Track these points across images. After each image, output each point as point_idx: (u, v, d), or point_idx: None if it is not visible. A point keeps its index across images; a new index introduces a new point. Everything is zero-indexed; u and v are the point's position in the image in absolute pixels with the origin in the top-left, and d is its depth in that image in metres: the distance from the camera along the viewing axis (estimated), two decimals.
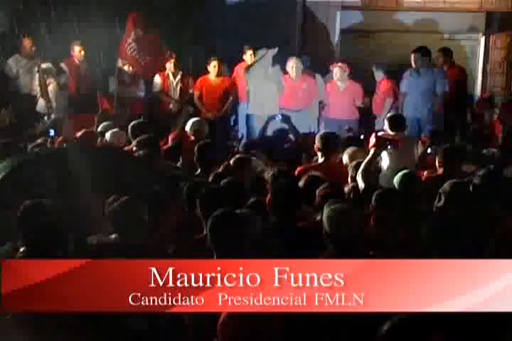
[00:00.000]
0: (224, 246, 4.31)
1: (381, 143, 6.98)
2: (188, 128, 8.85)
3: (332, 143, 7.65)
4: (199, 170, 7.25)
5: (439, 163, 7.15)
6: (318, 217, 5.66)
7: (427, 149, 8.16)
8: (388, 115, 8.03)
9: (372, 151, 6.88)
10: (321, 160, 7.61)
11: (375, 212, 5.54)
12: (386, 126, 7.83)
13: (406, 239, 5.27)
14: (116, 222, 5.06)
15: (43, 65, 11.66)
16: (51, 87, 11.71)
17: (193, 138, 8.71)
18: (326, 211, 4.71)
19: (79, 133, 9.31)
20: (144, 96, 12.05)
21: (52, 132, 9.23)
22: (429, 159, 7.83)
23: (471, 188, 5.97)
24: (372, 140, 7.01)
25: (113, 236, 5.04)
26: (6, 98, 11.84)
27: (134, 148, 7.94)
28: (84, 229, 5.16)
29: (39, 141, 8.98)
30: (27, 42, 12.24)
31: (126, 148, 8.24)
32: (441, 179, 6.67)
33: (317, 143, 7.61)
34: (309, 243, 4.97)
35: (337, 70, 11.46)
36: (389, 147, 7.13)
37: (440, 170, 7.12)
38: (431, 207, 5.97)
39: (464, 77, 11.89)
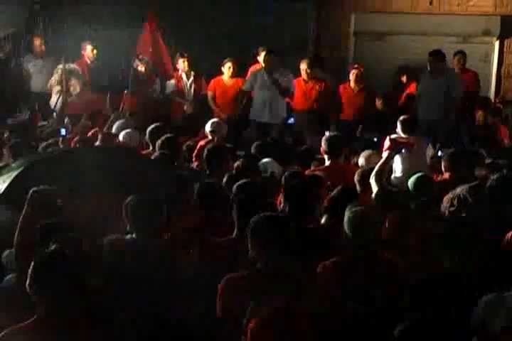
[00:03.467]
0: (273, 252, 4.29)
1: (395, 147, 6.95)
2: (207, 128, 8.95)
3: (338, 146, 7.60)
4: (207, 172, 7.27)
5: (444, 167, 7.11)
6: (323, 220, 5.63)
7: (437, 152, 8.11)
8: (401, 117, 7.97)
9: (385, 154, 6.85)
10: (327, 162, 7.56)
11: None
12: (399, 129, 7.81)
13: (419, 242, 5.25)
14: (135, 221, 5.01)
15: (66, 65, 11.74)
16: (74, 88, 11.70)
17: (210, 137, 8.78)
18: (346, 214, 4.72)
19: (89, 133, 9.33)
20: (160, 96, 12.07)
21: (63, 131, 9.22)
22: (439, 162, 7.78)
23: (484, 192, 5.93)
24: (387, 143, 6.98)
25: (129, 236, 5.01)
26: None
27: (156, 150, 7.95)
28: (97, 229, 5.14)
29: (50, 140, 8.99)
30: (37, 42, 12.28)
31: (144, 152, 8.25)
32: (447, 183, 6.65)
33: (323, 146, 7.56)
34: (323, 245, 4.96)
35: (355, 72, 11.41)
36: (403, 150, 7.10)
37: (446, 175, 7.08)
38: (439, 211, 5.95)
39: (478, 82, 11.92)
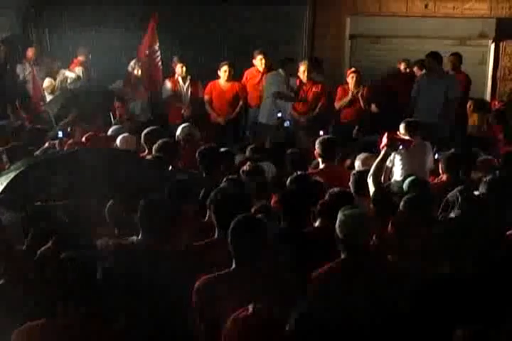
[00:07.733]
0: (245, 252, 4.28)
1: (393, 143, 6.87)
2: (178, 133, 8.90)
3: (332, 148, 7.55)
4: (204, 174, 7.23)
5: (442, 169, 7.10)
6: (317, 224, 5.63)
7: (434, 154, 8.07)
8: (405, 120, 7.84)
9: (383, 151, 6.74)
10: (321, 165, 7.52)
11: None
12: (402, 131, 7.68)
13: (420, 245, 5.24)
14: (145, 223, 4.90)
15: (66, 72, 11.92)
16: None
17: (182, 143, 8.72)
18: (339, 217, 4.67)
19: (84, 137, 9.35)
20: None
21: (60, 134, 9.23)
22: (436, 164, 7.76)
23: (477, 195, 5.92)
24: (384, 140, 6.86)
25: (134, 237, 4.92)
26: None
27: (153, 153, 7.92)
28: (93, 231, 5.14)
29: (47, 144, 9.03)
30: (30, 53, 12.66)
31: (142, 155, 8.24)
32: (445, 186, 6.64)
33: (317, 149, 7.51)
34: (320, 248, 4.94)
35: (354, 76, 11.40)
36: (400, 147, 7.00)
37: (444, 177, 7.06)
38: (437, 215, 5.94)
39: (469, 83, 11.92)
